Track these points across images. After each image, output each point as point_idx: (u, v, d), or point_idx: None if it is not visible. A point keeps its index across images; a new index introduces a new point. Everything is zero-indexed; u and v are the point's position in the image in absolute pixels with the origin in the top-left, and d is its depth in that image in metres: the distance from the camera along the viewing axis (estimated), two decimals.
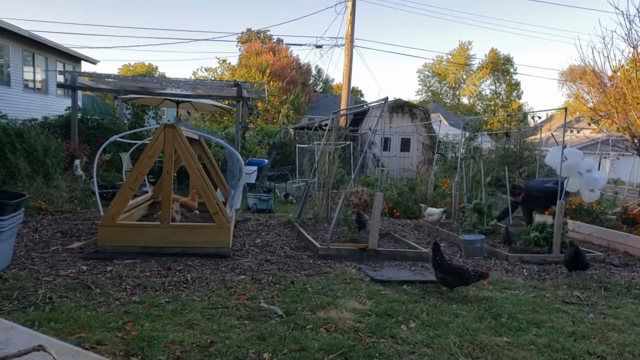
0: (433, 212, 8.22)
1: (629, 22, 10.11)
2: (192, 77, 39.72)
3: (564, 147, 6.80)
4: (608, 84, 11.43)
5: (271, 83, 33.27)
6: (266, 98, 27.52)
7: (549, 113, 37.01)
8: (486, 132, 20.63)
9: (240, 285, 4.41)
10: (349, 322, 3.62)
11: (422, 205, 8.62)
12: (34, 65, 16.54)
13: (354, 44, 19.06)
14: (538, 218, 7.56)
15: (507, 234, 6.86)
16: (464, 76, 65.06)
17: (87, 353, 1.44)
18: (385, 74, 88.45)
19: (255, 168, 11.76)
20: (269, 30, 45.97)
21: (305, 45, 66.90)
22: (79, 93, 12.51)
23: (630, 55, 10.58)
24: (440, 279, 4.59)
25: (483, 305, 4.27)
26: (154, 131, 6.91)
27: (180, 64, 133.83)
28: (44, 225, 6.51)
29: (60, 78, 17.06)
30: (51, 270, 4.50)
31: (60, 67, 17.54)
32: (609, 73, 11.08)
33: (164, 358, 2.85)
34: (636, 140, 10.33)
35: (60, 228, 6.41)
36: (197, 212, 8.01)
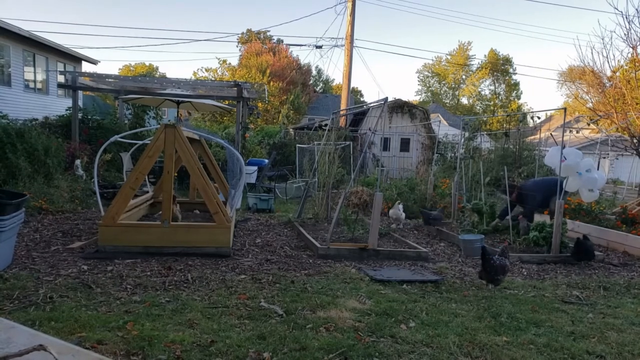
0: (398, 213, 8.24)
1: (628, 23, 10.12)
2: (193, 78, 39.73)
3: (563, 147, 6.82)
4: (607, 84, 11.42)
5: (271, 83, 33.27)
6: (266, 98, 27.51)
7: (548, 113, 37.03)
8: (485, 132, 20.64)
9: (240, 284, 4.42)
10: (348, 322, 3.63)
11: (397, 202, 8.53)
12: (34, 66, 16.54)
13: (354, 44, 19.07)
14: (537, 218, 7.57)
15: (527, 227, 7.04)
16: (464, 76, 65.06)
17: (88, 352, 1.45)
18: (385, 74, 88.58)
19: (255, 168, 11.77)
20: (269, 31, 45.99)
21: (305, 45, 67.04)
22: (80, 93, 12.51)
23: (629, 55, 10.58)
24: (498, 280, 4.72)
25: (482, 304, 4.28)
26: (154, 131, 6.93)
27: (180, 64, 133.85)
28: (44, 225, 6.53)
29: (61, 78, 17.03)
30: (52, 269, 4.51)
31: (60, 67, 17.55)
32: (608, 73, 11.08)
33: (164, 357, 2.86)
34: (635, 140, 10.33)
35: (61, 228, 6.42)
36: (197, 211, 8.04)
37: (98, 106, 17.97)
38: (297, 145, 15.18)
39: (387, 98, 6.88)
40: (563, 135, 7.15)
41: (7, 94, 14.63)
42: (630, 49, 10.25)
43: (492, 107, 60.72)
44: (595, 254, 6.20)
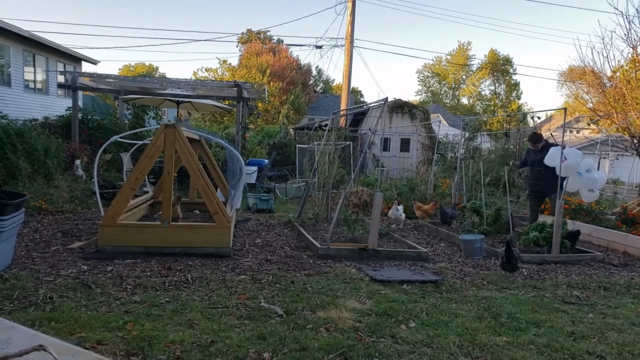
0: (397, 213, 8.40)
1: (628, 23, 10.10)
2: (193, 78, 39.71)
3: (564, 147, 6.81)
4: (607, 84, 11.41)
5: (271, 83, 33.28)
6: (266, 98, 27.51)
7: (549, 113, 37.04)
8: (485, 133, 20.64)
9: (240, 285, 4.42)
10: (348, 322, 3.63)
11: (396, 203, 8.66)
12: (34, 66, 16.54)
13: (354, 44, 19.06)
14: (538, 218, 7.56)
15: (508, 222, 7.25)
16: (464, 76, 65.07)
17: (88, 353, 1.45)
18: (385, 74, 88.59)
19: (255, 168, 11.77)
20: (269, 31, 45.97)
21: (305, 45, 67.04)
22: (80, 93, 12.51)
23: (630, 55, 10.57)
24: (518, 267, 5.44)
25: (482, 304, 4.28)
26: (154, 131, 6.93)
27: (180, 64, 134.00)
28: (44, 225, 6.52)
29: (61, 78, 16.98)
30: (52, 270, 4.51)
31: (60, 67, 17.54)
32: (608, 73, 11.07)
33: (164, 357, 2.86)
34: (635, 141, 10.33)
35: (60, 228, 6.42)
36: (197, 212, 8.04)
37: (98, 106, 17.97)
38: (297, 145, 15.18)
39: (387, 98, 6.88)
40: (563, 136, 7.15)
41: (7, 94, 14.63)
42: (631, 49, 10.24)
43: (492, 107, 60.71)
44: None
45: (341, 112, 17.38)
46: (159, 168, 9.90)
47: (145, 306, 3.68)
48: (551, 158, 7.16)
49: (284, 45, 40.94)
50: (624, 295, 4.91)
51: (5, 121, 9.54)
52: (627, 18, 10.12)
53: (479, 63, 61.93)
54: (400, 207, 8.39)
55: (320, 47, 23.10)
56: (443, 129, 21.96)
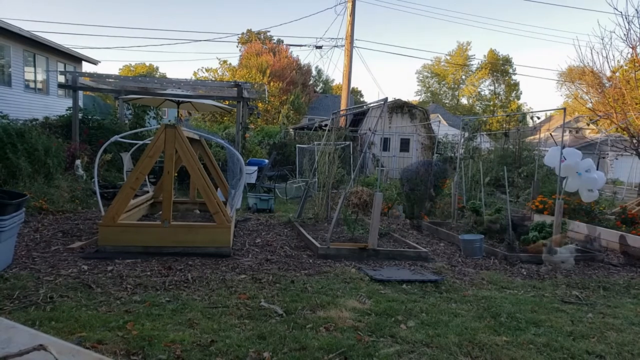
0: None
1: (628, 23, 10.12)
2: (193, 78, 39.71)
3: (563, 147, 6.82)
4: (607, 85, 11.42)
5: (271, 84, 33.28)
6: (266, 98, 27.49)
7: (548, 113, 37.02)
8: (485, 133, 20.65)
9: (240, 284, 4.42)
10: (348, 322, 3.63)
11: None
12: (35, 66, 16.54)
13: (354, 45, 19.07)
14: (537, 218, 7.56)
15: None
16: (463, 77, 65.05)
17: (88, 352, 1.45)
18: (385, 75, 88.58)
19: (255, 168, 11.78)
20: (269, 31, 45.98)
21: (305, 45, 67.08)
22: (80, 93, 12.51)
23: (629, 55, 10.57)
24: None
25: (482, 304, 4.28)
26: (154, 131, 6.94)
27: (181, 64, 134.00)
28: (44, 225, 6.53)
29: (61, 78, 17.04)
30: (52, 269, 4.51)
31: (61, 67, 17.54)
32: (608, 73, 11.07)
33: (164, 357, 2.87)
34: (635, 141, 10.33)
35: (61, 228, 6.42)
36: (197, 211, 8.05)
37: (98, 106, 17.99)
38: (297, 145, 15.19)
39: (387, 98, 6.89)
40: (563, 136, 7.16)
41: (8, 94, 14.63)
42: (630, 49, 10.25)
43: (491, 107, 60.69)
44: None
45: (341, 112, 17.38)
46: (159, 168, 9.92)
47: (145, 306, 3.68)
48: (551, 158, 7.17)
49: (284, 46, 40.96)
50: (623, 295, 4.92)
51: (6, 121, 9.53)
52: (626, 18, 10.13)
53: (478, 63, 61.96)
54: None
55: (320, 47, 23.09)
56: (442, 129, 21.98)
